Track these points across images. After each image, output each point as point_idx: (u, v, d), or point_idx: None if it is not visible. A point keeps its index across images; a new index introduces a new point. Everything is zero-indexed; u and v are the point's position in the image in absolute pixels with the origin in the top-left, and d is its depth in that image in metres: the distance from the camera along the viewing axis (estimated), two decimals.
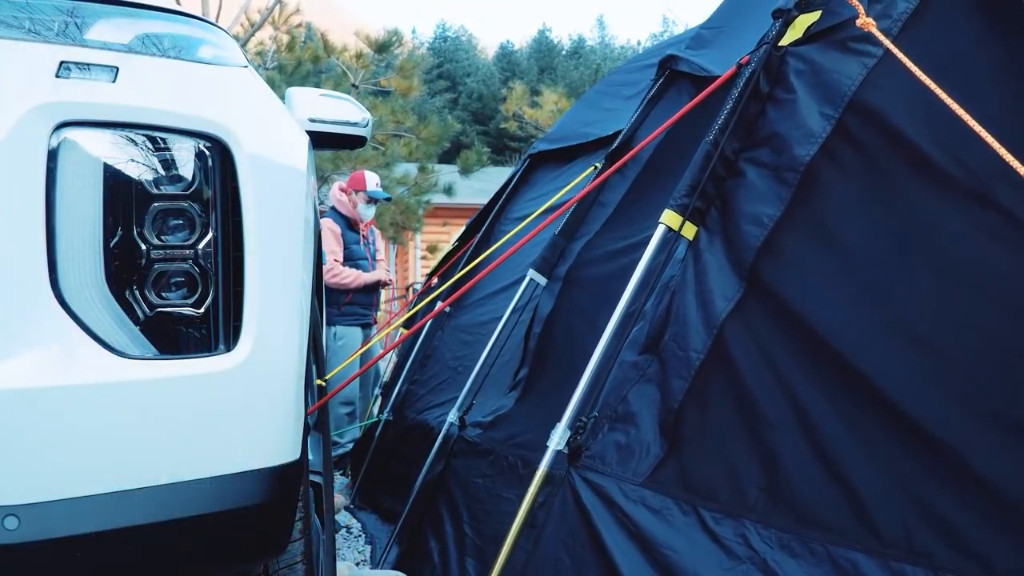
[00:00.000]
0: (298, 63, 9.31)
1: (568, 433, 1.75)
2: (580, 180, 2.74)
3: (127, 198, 1.13)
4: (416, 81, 10.25)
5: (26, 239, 1.05)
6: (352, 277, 4.49)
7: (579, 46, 32.36)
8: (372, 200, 4.65)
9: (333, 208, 4.62)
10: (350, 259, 4.56)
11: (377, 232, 5.03)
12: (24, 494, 1.01)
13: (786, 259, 1.65)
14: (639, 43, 32.46)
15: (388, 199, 4.89)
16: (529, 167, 3.80)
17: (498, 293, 3.09)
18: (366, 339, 4.68)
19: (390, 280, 4.72)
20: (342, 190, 4.66)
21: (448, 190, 10.66)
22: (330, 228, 4.45)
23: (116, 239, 1.12)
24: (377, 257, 4.85)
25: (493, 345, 2.70)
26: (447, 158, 12.69)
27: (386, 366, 4.87)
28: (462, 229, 4.29)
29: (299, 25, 9.80)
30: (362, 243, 4.66)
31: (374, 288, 4.66)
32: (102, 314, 1.10)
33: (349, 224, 4.61)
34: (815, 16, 1.76)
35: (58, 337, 1.05)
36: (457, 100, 28.10)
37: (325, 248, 4.34)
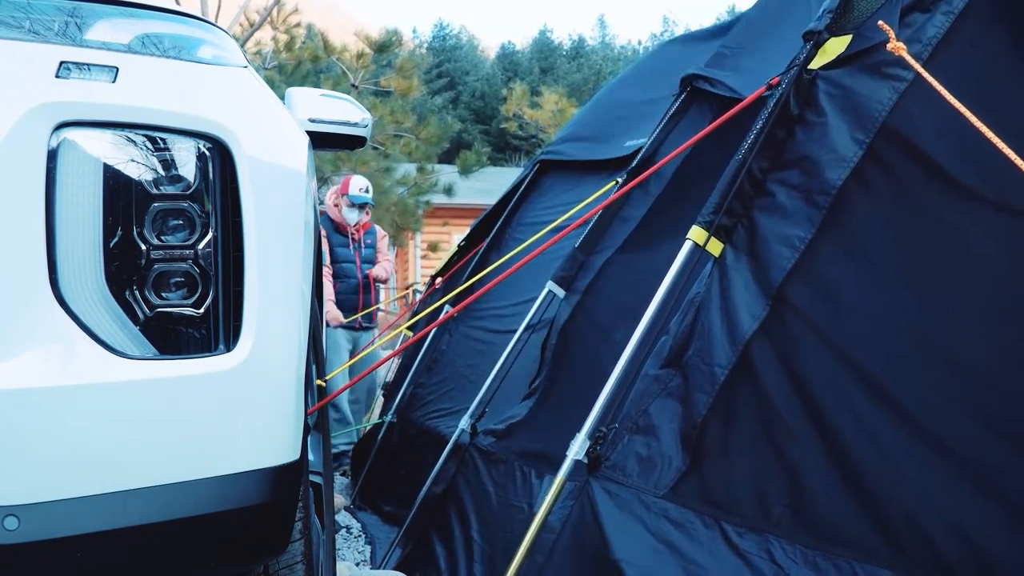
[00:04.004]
0: (298, 63, 9.32)
1: (587, 443, 1.74)
2: (600, 195, 2.72)
3: (127, 198, 1.13)
4: (416, 81, 10.25)
5: (26, 239, 1.05)
6: None
7: (579, 46, 32.35)
8: (354, 204, 4.66)
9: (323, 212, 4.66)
10: (336, 261, 4.64)
11: (380, 232, 5.02)
12: (24, 494, 1.01)
13: (814, 279, 1.65)
14: (640, 43, 32.46)
15: (365, 204, 4.78)
16: (539, 172, 3.73)
17: (513, 303, 3.05)
18: (367, 342, 4.67)
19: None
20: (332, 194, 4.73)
21: (448, 190, 10.65)
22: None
23: (116, 239, 1.12)
24: (381, 257, 4.86)
25: (508, 355, 2.67)
26: (447, 158, 12.68)
27: (388, 366, 4.85)
28: (464, 230, 4.24)
29: (298, 25, 9.79)
30: (351, 246, 4.72)
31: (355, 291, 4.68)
32: (102, 314, 1.10)
33: (336, 227, 4.69)
34: (846, 40, 1.75)
35: (58, 337, 1.05)
36: (458, 100, 28.08)
37: None
